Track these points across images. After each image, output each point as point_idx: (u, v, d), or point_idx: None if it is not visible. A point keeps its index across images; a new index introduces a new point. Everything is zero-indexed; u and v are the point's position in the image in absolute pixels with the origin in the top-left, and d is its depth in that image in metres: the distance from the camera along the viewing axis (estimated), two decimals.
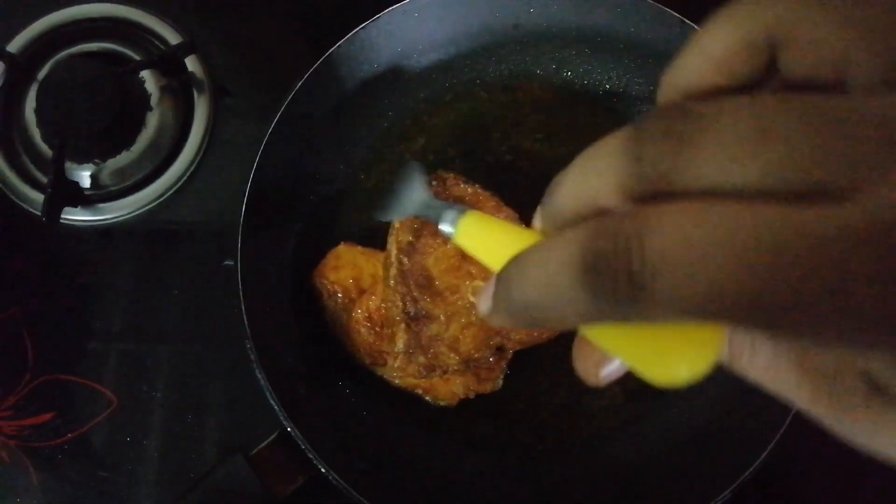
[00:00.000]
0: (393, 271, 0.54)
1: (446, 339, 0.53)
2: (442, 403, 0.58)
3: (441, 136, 0.64)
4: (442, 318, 0.53)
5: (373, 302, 0.57)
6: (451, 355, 0.53)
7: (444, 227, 0.34)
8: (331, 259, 0.59)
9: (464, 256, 0.55)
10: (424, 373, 0.54)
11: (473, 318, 0.53)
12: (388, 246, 0.56)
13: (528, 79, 0.65)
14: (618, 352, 0.26)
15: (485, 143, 0.64)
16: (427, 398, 0.58)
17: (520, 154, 0.64)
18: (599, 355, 0.27)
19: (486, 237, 0.32)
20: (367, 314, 0.57)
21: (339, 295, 0.58)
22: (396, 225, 0.55)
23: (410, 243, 0.54)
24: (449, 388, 0.57)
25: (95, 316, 0.66)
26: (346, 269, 0.59)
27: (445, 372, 0.54)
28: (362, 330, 0.57)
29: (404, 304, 0.53)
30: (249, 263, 0.55)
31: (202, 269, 0.66)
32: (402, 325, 0.53)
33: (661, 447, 0.58)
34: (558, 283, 0.20)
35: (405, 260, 0.54)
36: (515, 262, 0.23)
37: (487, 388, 0.58)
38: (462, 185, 0.57)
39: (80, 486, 0.62)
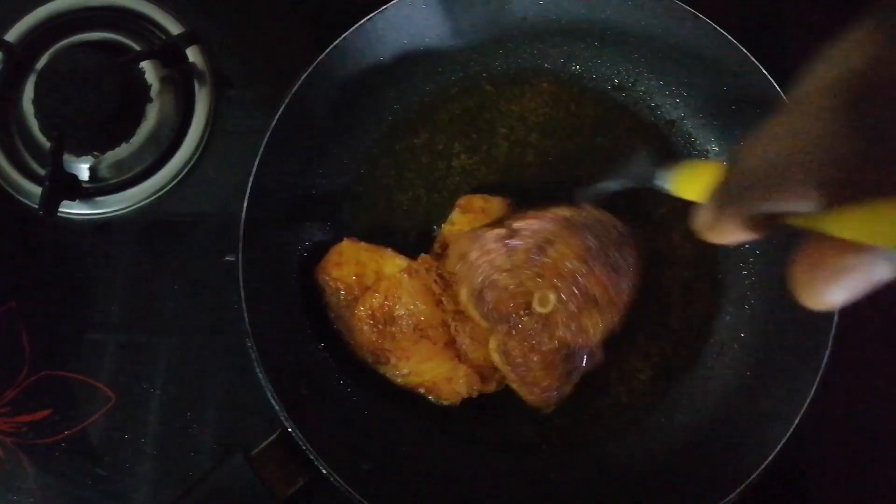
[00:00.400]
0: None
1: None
2: (445, 403, 0.57)
3: (447, 130, 0.63)
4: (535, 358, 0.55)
5: (376, 299, 0.56)
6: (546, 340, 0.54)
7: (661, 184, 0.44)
8: (333, 255, 0.58)
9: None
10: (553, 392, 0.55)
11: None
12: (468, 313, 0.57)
13: (536, 72, 0.64)
14: (868, 234, 0.24)
15: (491, 137, 0.63)
16: (430, 397, 0.57)
17: (526, 148, 0.63)
18: (829, 271, 0.27)
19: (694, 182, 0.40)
20: (370, 312, 0.56)
21: (342, 292, 0.57)
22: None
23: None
24: (452, 388, 0.56)
25: (93, 311, 0.65)
26: (349, 265, 0.58)
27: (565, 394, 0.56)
28: (365, 328, 0.56)
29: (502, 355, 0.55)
30: (250, 259, 0.54)
31: (202, 264, 0.65)
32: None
33: (666, 448, 0.57)
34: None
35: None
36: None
37: (491, 387, 0.57)
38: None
39: (78, 484, 0.61)
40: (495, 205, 0.59)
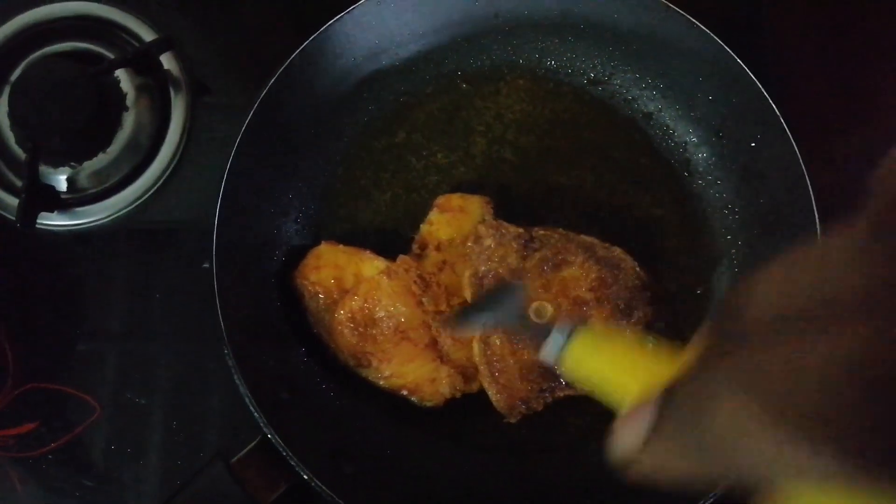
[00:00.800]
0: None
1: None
2: (428, 404, 0.57)
3: (423, 129, 0.63)
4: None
5: (355, 302, 0.56)
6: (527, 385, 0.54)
7: (548, 352, 0.32)
8: (311, 259, 0.58)
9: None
10: (525, 410, 0.55)
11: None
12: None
13: (511, 69, 0.63)
14: None
15: (468, 135, 0.63)
16: (413, 399, 0.57)
17: (504, 145, 0.62)
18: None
19: (602, 363, 0.30)
20: (349, 315, 0.56)
21: (321, 296, 0.57)
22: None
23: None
24: (435, 388, 0.56)
25: (76, 323, 0.64)
26: (328, 269, 0.57)
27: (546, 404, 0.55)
28: (345, 331, 0.56)
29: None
30: (226, 265, 0.54)
31: (184, 271, 0.65)
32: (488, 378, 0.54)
33: None
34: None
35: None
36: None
37: (474, 387, 0.56)
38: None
39: (66, 496, 0.61)
40: (474, 203, 0.59)
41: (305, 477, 0.50)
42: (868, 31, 0.70)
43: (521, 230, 0.55)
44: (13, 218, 0.63)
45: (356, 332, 0.56)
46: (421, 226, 0.59)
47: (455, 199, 0.59)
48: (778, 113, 0.55)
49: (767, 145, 0.57)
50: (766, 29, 0.68)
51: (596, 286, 0.53)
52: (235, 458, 0.51)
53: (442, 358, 0.56)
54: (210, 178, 0.66)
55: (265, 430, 0.51)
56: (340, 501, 0.50)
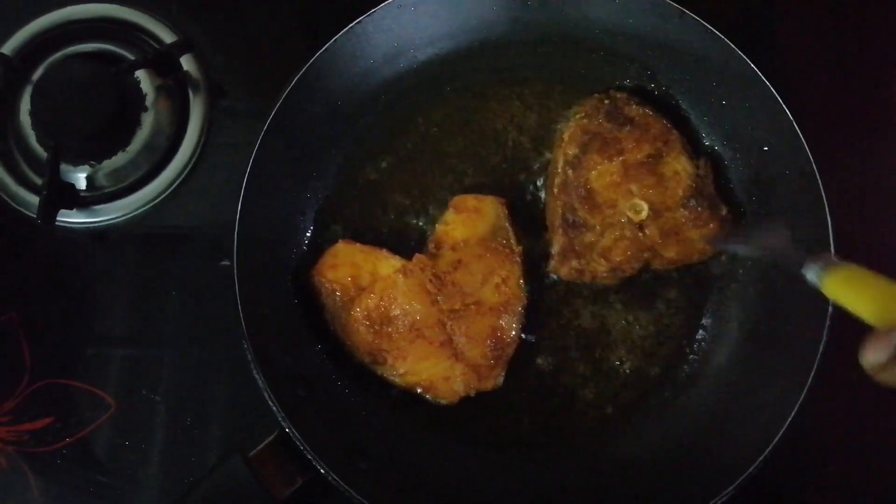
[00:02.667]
0: (557, 180, 0.58)
1: (599, 248, 0.57)
2: (443, 402, 0.57)
3: (440, 131, 0.64)
4: (598, 228, 0.57)
5: (371, 300, 0.57)
6: (602, 262, 0.57)
7: (810, 276, 0.39)
8: (328, 258, 0.58)
9: (626, 174, 0.58)
10: (575, 275, 0.58)
11: (627, 233, 0.57)
12: (555, 156, 0.60)
13: (527, 73, 0.64)
14: None
15: (483, 138, 0.63)
16: (427, 396, 0.57)
17: (520, 148, 0.63)
18: None
19: (859, 291, 0.36)
20: (365, 312, 0.57)
21: (338, 294, 0.58)
22: (565, 138, 0.59)
23: (576, 156, 0.58)
24: (449, 386, 0.57)
25: (92, 319, 0.65)
26: (345, 267, 0.58)
27: (594, 278, 0.58)
28: (361, 328, 0.57)
29: (563, 212, 0.57)
30: (246, 264, 0.55)
31: (200, 270, 0.66)
32: (560, 231, 0.57)
33: (662, 445, 0.58)
34: None
35: (570, 172, 0.58)
36: None
37: (489, 385, 0.57)
38: (634, 105, 0.59)
39: (80, 491, 0.62)
40: (488, 204, 0.59)
41: (322, 472, 0.51)
42: (880, 36, 0.71)
43: (563, 159, 0.59)
44: (34, 215, 0.64)
45: (372, 330, 0.57)
46: (437, 226, 0.60)
47: (470, 200, 0.59)
48: (791, 118, 0.55)
49: (780, 149, 0.58)
50: (778, 34, 0.69)
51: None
52: (253, 453, 0.52)
53: (456, 356, 0.57)
54: (227, 178, 0.67)
55: (283, 424, 0.51)
56: (356, 496, 0.51)
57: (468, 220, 0.59)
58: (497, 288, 0.57)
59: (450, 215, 0.59)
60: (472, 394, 0.57)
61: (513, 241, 0.59)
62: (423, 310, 0.57)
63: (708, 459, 0.55)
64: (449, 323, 0.57)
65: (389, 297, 0.57)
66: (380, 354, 0.57)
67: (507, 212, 0.59)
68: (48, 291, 0.66)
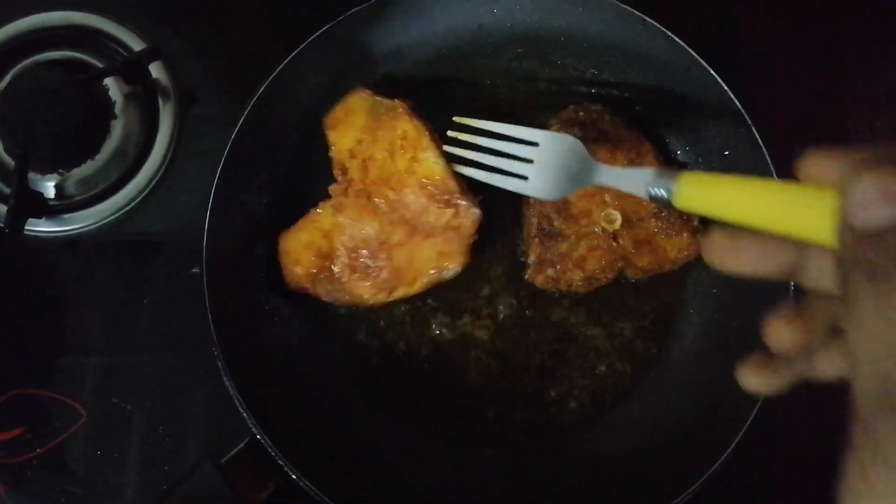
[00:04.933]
0: None
1: (574, 257, 0.58)
2: (453, 272, 0.58)
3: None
4: (573, 238, 0.59)
5: (342, 256, 0.58)
6: (577, 271, 0.58)
7: (657, 193, 0.38)
8: (286, 260, 0.59)
9: None
10: (551, 284, 0.59)
11: (601, 242, 0.59)
12: None
13: (493, 81, 0.65)
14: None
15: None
16: (444, 275, 0.58)
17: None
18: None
19: (715, 195, 0.35)
20: (350, 267, 0.58)
21: (322, 277, 0.58)
22: None
23: None
24: (447, 255, 0.57)
25: (64, 328, 0.65)
26: (303, 252, 0.58)
27: (570, 286, 0.59)
28: (358, 282, 0.58)
29: (539, 221, 0.59)
30: (215, 270, 0.55)
31: (171, 277, 0.66)
32: (536, 240, 0.59)
33: (636, 438, 0.59)
34: None
35: None
36: None
37: (468, 218, 0.57)
38: (608, 117, 0.60)
39: (52, 502, 0.61)
40: (354, 103, 0.60)
41: (294, 477, 0.51)
42: (842, 46, 0.72)
43: None
44: (1, 224, 0.63)
45: (365, 274, 0.57)
46: (329, 154, 0.60)
47: (337, 112, 0.60)
48: (750, 122, 0.57)
49: (740, 154, 0.59)
50: (741, 41, 0.70)
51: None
52: (225, 459, 0.52)
53: (428, 234, 0.57)
54: (197, 186, 0.67)
55: (254, 430, 0.51)
56: (328, 500, 0.51)
57: (345, 127, 0.59)
58: (411, 160, 0.57)
59: (331, 136, 0.60)
60: (471, 240, 0.58)
61: (392, 104, 0.59)
62: (377, 222, 0.57)
63: (676, 456, 0.57)
64: (403, 215, 0.57)
65: (349, 239, 0.57)
66: (389, 284, 0.57)
67: (369, 91, 0.59)
68: (18, 301, 0.66)
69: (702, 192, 0.36)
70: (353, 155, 0.59)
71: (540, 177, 0.54)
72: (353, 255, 0.58)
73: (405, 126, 0.58)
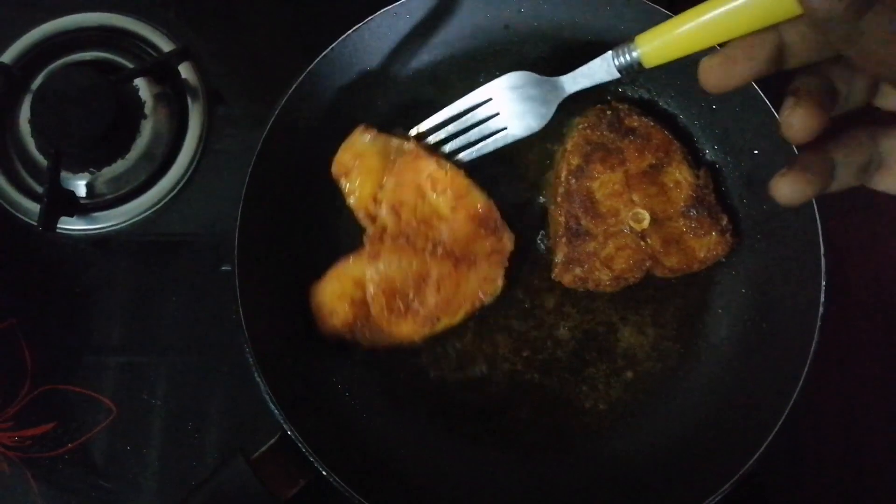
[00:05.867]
0: (560, 189, 0.59)
1: (601, 257, 0.58)
2: (491, 299, 0.58)
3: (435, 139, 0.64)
4: (600, 237, 0.58)
5: (376, 297, 0.57)
6: (605, 270, 0.58)
7: (623, 64, 0.42)
8: (320, 312, 0.58)
9: (628, 183, 0.59)
10: (579, 283, 0.59)
11: (629, 242, 0.58)
12: (558, 165, 0.61)
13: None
14: None
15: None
16: (484, 303, 0.58)
17: (516, 153, 0.64)
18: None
19: (679, 35, 0.38)
20: (382, 307, 0.57)
21: (358, 324, 0.57)
22: (568, 147, 0.61)
23: (580, 166, 0.59)
24: (486, 284, 0.57)
25: (94, 325, 0.66)
26: (340, 303, 0.57)
27: (598, 286, 0.59)
28: (409, 319, 0.57)
29: (567, 220, 0.59)
30: (246, 268, 0.55)
31: (200, 275, 0.66)
32: (563, 240, 0.59)
33: (660, 442, 0.59)
34: None
35: (573, 181, 0.59)
36: None
37: (506, 244, 0.58)
38: (635, 116, 0.60)
39: (82, 496, 0.62)
40: (355, 143, 0.58)
41: (324, 472, 0.51)
42: None
43: (566, 169, 0.60)
44: (34, 222, 0.64)
45: (398, 312, 0.56)
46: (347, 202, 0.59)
47: (343, 158, 0.58)
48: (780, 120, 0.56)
49: (769, 153, 0.59)
50: None
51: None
52: (256, 455, 0.52)
53: (471, 262, 0.57)
54: (226, 184, 0.68)
55: (285, 426, 0.52)
56: (357, 496, 0.51)
57: (359, 173, 0.58)
58: (449, 197, 0.57)
59: (344, 185, 0.59)
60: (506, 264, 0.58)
61: (403, 146, 0.58)
62: (417, 260, 0.56)
63: (703, 458, 0.56)
64: (446, 249, 0.57)
65: (386, 282, 0.56)
66: (431, 317, 0.57)
67: (374, 130, 0.58)
68: (49, 298, 0.67)
69: (665, 39, 0.39)
70: (377, 201, 0.58)
71: (513, 120, 0.56)
72: (391, 297, 0.56)
73: (429, 168, 0.57)
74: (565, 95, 0.55)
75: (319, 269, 0.59)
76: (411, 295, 0.57)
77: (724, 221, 0.59)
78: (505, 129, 0.57)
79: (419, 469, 0.57)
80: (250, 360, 0.53)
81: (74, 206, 0.66)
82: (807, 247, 0.55)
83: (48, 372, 0.64)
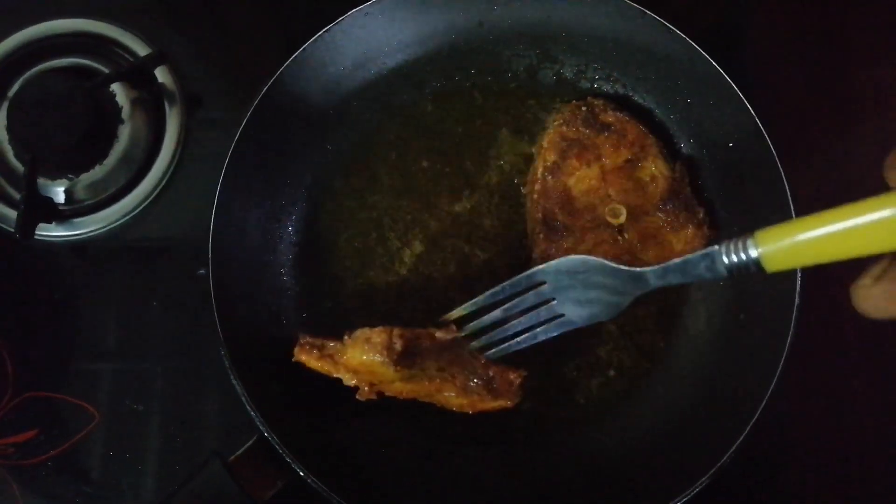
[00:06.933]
0: (537, 186, 0.59)
1: (579, 252, 0.57)
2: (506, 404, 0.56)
3: (413, 138, 0.64)
4: (577, 232, 0.58)
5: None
6: None
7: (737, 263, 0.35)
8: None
9: (604, 179, 0.59)
10: None
11: (606, 236, 0.58)
12: (534, 163, 0.61)
13: (497, 77, 0.65)
14: None
15: (458, 143, 0.64)
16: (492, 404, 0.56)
17: (499, 152, 0.64)
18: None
19: (811, 241, 0.32)
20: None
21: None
22: (544, 144, 0.60)
23: (555, 163, 0.59)
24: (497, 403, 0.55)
25: (75, 331, 0.66)
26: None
27: None
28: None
29: (544, 216, 0.59)
30: (221, 271, 0.55)
31: (179, 280, 0.66)
32: (541, 236, 0.58)
33: (637, 435, 0.59)
34: None
35: (549, 178, 0.59)
36: None
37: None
38: (610, 112, 0.60)
39: (66, 502, 0.62)
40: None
41: (301, 474, 0.51)
42: (846, 37, 0.72)
43: (542, 166, 0.60)
44: (12, 230, 0.64)
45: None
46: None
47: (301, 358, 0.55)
48: (754, 114, 0.56)
49: (744, 146, 0.59)
50: (746, 34, 0.70)
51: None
52: (233, 457, 0.52)
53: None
54: (204, 188, 0.67)
55: (262, 428, 0.52)
56: (335, 497, 0.51)
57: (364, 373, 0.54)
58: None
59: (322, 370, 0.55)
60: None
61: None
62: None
63: (683, 450, 0.56)
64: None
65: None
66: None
67: (307, 338, 0.54)
68: (29, 305, 0.67)
69: (794, 243, 0.33)
70: (357, 374, 0.54)
71: (572, 307, 0.50)
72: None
73: (384, 372, 0.53)
74: (648, 290, 0.47)
75: (294, 272, 0.59)
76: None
77: (701, 214, 0.59)
78: (563, 315, 0.51)
79: (397, 468, 0.57)
80: (226, 362, 0.53)
81: (53, 213, 0.66)
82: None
83: (30, 379, 0.64)
